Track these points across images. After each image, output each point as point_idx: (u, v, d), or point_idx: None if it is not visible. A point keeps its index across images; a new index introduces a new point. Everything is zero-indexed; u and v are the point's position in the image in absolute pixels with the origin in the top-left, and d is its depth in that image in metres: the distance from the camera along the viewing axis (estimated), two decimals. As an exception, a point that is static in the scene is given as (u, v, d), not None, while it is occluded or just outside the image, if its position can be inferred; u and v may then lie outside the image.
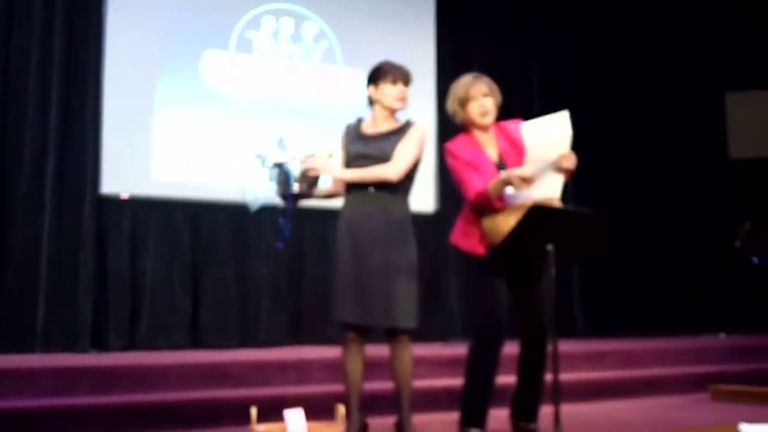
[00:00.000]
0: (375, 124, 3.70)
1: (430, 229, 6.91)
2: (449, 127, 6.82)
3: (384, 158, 3.54)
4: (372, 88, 3.72)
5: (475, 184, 3.52)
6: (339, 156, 3.73)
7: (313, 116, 6.58)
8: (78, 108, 5.80)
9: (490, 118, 3.61)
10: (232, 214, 6.20)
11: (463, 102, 3.58)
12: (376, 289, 3.49)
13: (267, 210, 6.22)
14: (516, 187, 3.35)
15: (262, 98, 6.46)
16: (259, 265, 6.24)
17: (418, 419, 4.38)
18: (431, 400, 4.59)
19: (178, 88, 6.15)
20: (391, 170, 3.49)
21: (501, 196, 3.43)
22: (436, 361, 5.16)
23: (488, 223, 3.49)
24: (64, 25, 5.81)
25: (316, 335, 6.29)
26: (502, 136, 3.65)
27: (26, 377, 4.24)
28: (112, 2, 5.94)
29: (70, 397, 4.12)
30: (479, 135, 3.64)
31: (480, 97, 3.58)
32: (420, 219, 6.82)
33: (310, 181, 3.70)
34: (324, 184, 3.76)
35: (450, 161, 3.64)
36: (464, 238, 3.64)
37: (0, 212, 5.48)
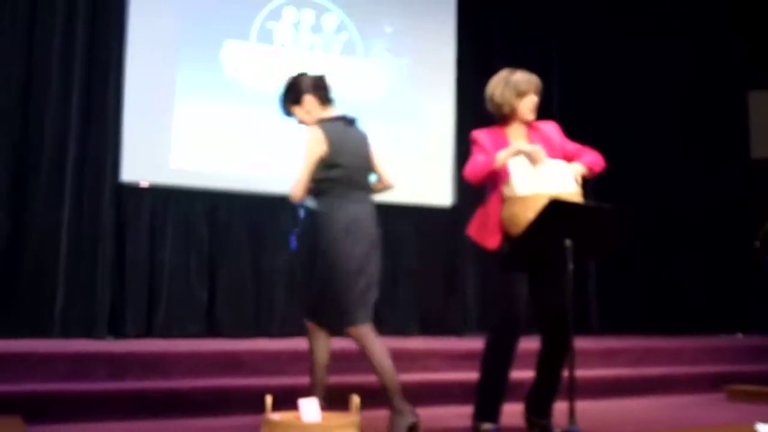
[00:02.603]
0: None
1: (447, 223, 6.92)
2: (468, 120, 6.90)
3: None
4: (298, 108, 3.79)
5: (476, 159, 3.58)
6: None
7: (332, 108, 6.57)
8: (99, 96, 5.83)
9: (534, 115, 3.68)
10: (250, 205, 6.22)
11: (521, 94, 3.62)
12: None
13: (284, 201, 6.28)
14: (531, 159, 3.45)
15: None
16: (275, 256, 6.24)
17: (433, 412, 4.39)
18: (446, 394, 4.61)
19: (198, 77, 6.16)
20: (291, 190, 3.61)
21: (503, 176, 3.50)
22: (451, 355, 5.17)
23: (507, 214, 3.49)
24: (86, 14, 5.83)
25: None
26: (535, 134, 3.69)
27: (43, 362, 4.28)
28: (134, -8, 5.97)
29: (86, 382, 4.15)
30: (513, 129, 3.68)
31: (534, 93, 3.65)
32: (437, 213, 6.91)
33: None
34: None
35: (471, 147, 3.68)
36: (479, 230, 3.65)
37: (21, 199, 5.51)
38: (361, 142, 3.77)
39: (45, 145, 5.63)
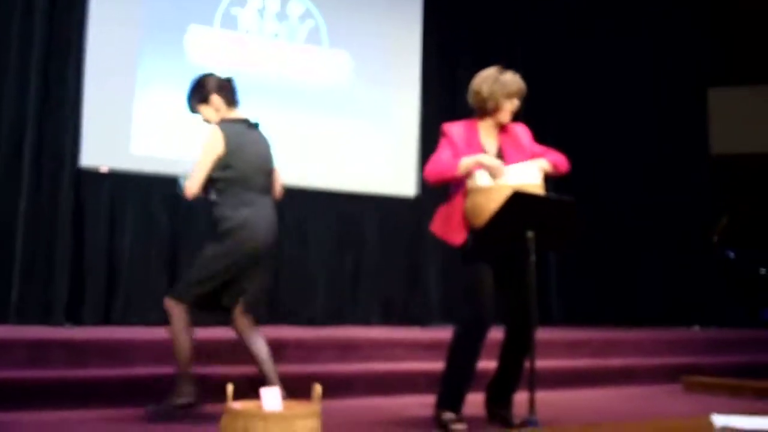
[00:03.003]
0: None
1: (410, 214, 6.93)
2: (432, 110, 6.91)
3: None
4: (205, 107, 3.88)
5: (441, 158, 3.61)
6: None
7: (296, 95, 6.54)
8: (58, 80, 5.71)
9: (510, 119, 3.72)
10: (212, 192, 6.15)
11: (509, 95, 3.65)
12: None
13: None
14: (491, 174, 3.48)
15: (246, 76, 6.37)
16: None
17: (397, 401, 4.41)
18: (409, 383, 4.62)
19: (161, 62, 6.07)
20: (187, 189, 3.69)
21: (466, 175, 3.52)
22: (415, 345, 5.19)
23: (470, 204, 3.51)
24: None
25: (293, 317, 6.28)
26: (506, 135, 3.72)
27: (0, 348, 4.20)
28: (96, -27, 5.85)
29: (44, 369, 4.09)
30: (485, 127, 3.69)
31: (518, 97, 3.68)
32: (400, 203, 6.91)
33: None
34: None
35: (441, 139, 3.69)
36: (443, 227, 3.68)
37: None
38: (263, 145, 3.86)
39: (2, 127, 5.51)
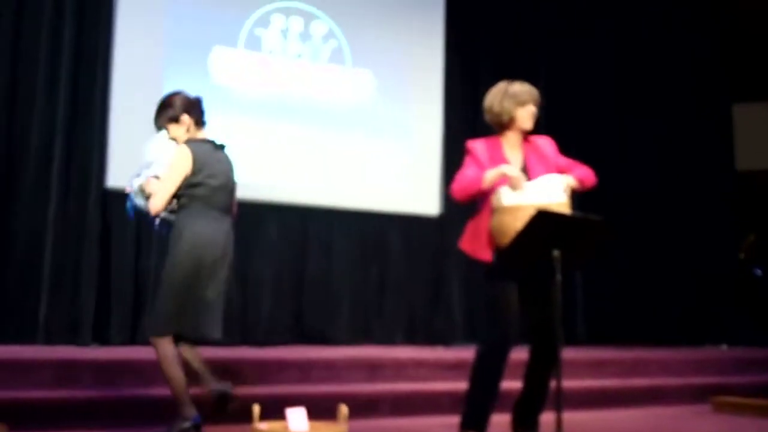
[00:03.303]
0: None
1: (433, 232, 6.92)
2: (455, 129, 6.92)
3: None
4: (175, 126, 3.86)
5: (466, 174, 3.62)
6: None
7: (320, 115, 6.57)
8: (86, 100, 5.79)
9: (531, 125, 3.72)
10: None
11: (521, 103, 3.67)
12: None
13: (264, 208, 6.27)
14: (510, 185, 3.46)
15: (270, 96, 6.45)
16: (261, 264, 6.22)
17: (420, 422, 4.40)
18: (433, 404, 4.60)
19: (186, 83, 6.08)
20: (151, 206, 3.72)
21: (492, 192, 3.52)
22: (438, 364, 5.17)
23: (495, 223, 3.50)
24: (74, 16, 5.78)
25: (317, 335, 6.29)
26: (530, 147, 3.74)
27: (28, 369, 4.24)
28: (122, -5, 5.95)
29: (71, 389, 4.12)
30: (509, 140, 3.71)
31: (533, 103, 3.69)
32: (423, 222, 6.91)
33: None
34: None
35: (465, 157, 3.70)
36: (472, 244, 3.67)
37: (5, 202, 5.45)
38: (227, 166, 3.90)
39: (30, 148, 5.58)
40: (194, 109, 3.87)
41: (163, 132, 3.90)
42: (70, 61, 5.74)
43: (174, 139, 3.84)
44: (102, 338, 5.56)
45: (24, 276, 5.47)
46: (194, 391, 3.69)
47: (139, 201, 3.84)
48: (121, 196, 5.75)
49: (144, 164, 3.98)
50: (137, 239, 5.83)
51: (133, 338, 5.68)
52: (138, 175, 3.89)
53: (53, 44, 5.71)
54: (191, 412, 3.63)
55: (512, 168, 3.56)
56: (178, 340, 3.71)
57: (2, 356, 4.42)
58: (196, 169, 3.71)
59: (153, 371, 4.40)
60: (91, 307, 5.56)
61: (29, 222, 5.51)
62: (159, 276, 3.74)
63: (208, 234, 3.70)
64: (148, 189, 3.77)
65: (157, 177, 3.78)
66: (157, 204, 3.69)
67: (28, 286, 5.46)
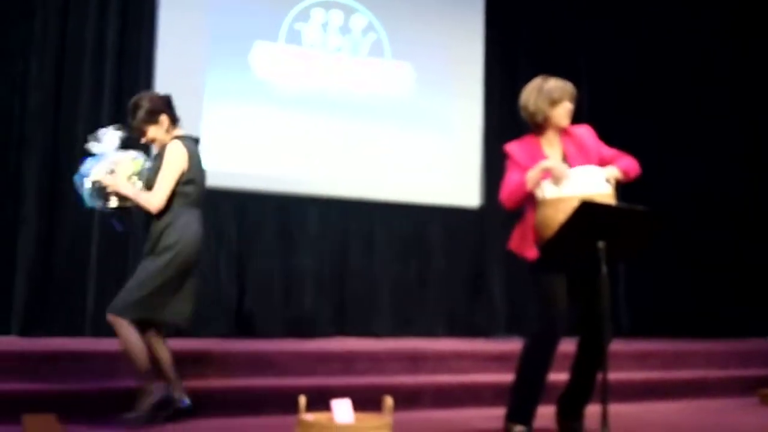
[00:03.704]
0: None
1: (473, 225, 6.91)
2: (495, 120, 6.89)
3: (150, 182, 3.79)
4: (154, 127, 3.83)
5: (510, 180, 3.60)
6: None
7: (360, 108, 6.59)
8: (129, 95, 5.82)
9: (568, 122, 3.68)
10: (278, 205, 6.25)
11: (555, 102, 3.62)
12: None
13: (306, 201, 6.31)
14: (554, 179, 3.43)
15: (310, 90, 6.49)
16: (304, 256, 6.27)
17: (463, 414, 4.40)
18: (476, 396, 4.60)
19: (227, 78, 6.20)
20: (152, 203, 3.72)
21: (536, 186, 3.49)
22: (481, 356, 5.16)
23: (539, 216, 3.48)
24: (117, 14, 5.88)
25: (358, 328, 6.32)
26: (570, 140, 3.69)
27: (77, 361, 4.33)
28: (164, -7, 6.03)
29: (119, 380, 4.18)
30: (547, 138, 3.68)
31: (568, 100, 3.65)
32: (464, 214, 6.90)
33: (119, 196, 3.84)
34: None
35: (505, 163, 3.68)
36: (520, 243, 3.65)
37: (53, 199, 5.57)
38: (202, 161, 3.91)
39: (77, 144, 5.67)
40: (169, 107, 3.86)
41: (112, 129, 3.91)
42: (113, 59, 5.84)
43: (151, 140, 3.84)
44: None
45: (72, 271, 5.58)
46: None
47: (93, 199, 3.82)
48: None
49: (95, 158, 3.89)
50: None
51: (178, 330, 5.75)
52: (85, 175, 3.84)
53: (97, 43, 5.82)
54: (151, 389, 3.70)
55: (552, 161, 3.53)
56: (147, 326, 3.78)
57: (52, 348, 4.52)
58: (191, 166, 3.76)
59: (199, 363, 4.49)
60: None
61: (76, 219, 5.60)
62: (168, 266, 3.70)
63: (200, 234, 3.80)
64: (113, 187, 3.77)
65: (111, 172, 3.77)
66: (156, 202, 3.70)
67: (76, 281, 5.58)
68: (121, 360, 4.36)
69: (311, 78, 6.50)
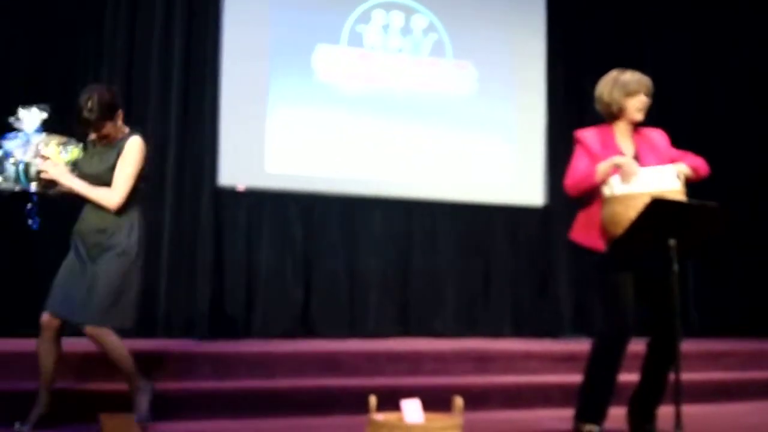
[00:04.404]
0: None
1: (538, 223, 6.85)
2: (558, 118, 6.81)
3: (95, 176, 3.62)
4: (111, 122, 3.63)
5: (578, 168, 3.56)
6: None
7: (422, 108, 6.59)
8: (197, 102, 5.99)
9: (642, 116, 3.65)
10: (343, 206, 6.29)
11: (631, 93, 3.60)
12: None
13: (370, 202, 6.33)
14: (623, 176, 3.38)
15: (373, 91, 6.52)
16: (369, 257, 6.30)
17: (532, 414, 4.37)
18: (545, 396, 4.56)
19: (291, 82, 6.27)
20: (114, 200, 3.58)
21: (603, 183, 3.45)
22: (548, 357, 5.12)
23: (607, 213, 3.44)
24: (183, 23, 6.00)
25: (424, 327, 6.32)
26: (641, 138, 3.67)
27: (151, 361, 4.42)
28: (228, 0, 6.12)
29: (192, 380, 4.27)
30: (619, 128, 3.65)
31: (644, 94, 3.62)
32: (528, 213, 6.84)
33: (44, 182, 3.63)
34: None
35: (575, 148, 3.66)
36: (585, 233, 3.61)
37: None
38: None
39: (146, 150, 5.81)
40: (120, 101, 3.72)
41: (36, 108, 3.65)
42: (180, 67, 5.96)
43: (106, 135, 3.63)
44: (216, 331, 5.74)
45: (143, 274, 5.69)
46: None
47: (13, 181, 3.59)
48: (232, 194, 5.99)
49: (16, 136, 3.65)
50: (248, 235, 6.01)
51: (247, 331, 5.85)
52: (9, 153, 3.60)
53: (164, 53, 5.95)
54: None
55: (624, 158, 3.49)
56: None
57: (128, 349, 4.62)
58: (146, 163, 3.70)
59: (267, 363, 4.55)
60: (207, 302, 5.75)
61: (147, 222, 5.71)
62: (134, 264, 3.65)
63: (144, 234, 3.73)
64: (52, 174, 3.58)
65: (40, 156, 3.58)
66: (119, 199, 3.57)
67: (148, 284, 5.67)
68: (191, 361, 4.49)
69: (373, 80, 6.54)
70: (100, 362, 4.29)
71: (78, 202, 3.68)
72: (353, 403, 3.99)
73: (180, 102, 5.94)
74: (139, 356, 4.39)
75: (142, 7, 5.94)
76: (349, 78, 6.46)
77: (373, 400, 2.96)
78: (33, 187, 3.60)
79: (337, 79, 6.42)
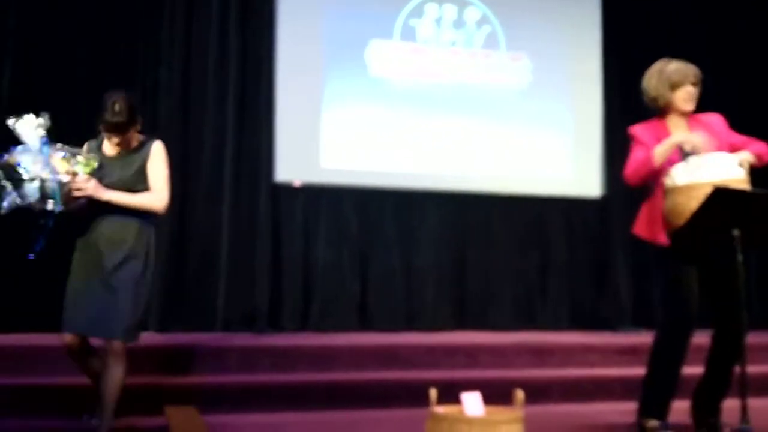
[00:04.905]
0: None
1: (596, 215, 6.77)
2: (615, 110, 6.71)
3: (120, 183, 3.51)
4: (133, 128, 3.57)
5: (636, 156, 3.51)
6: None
7: (476, 101, 6.56)
8: (253, 99, 6.06)
9: (692, 106, 3.58)
10: (399, 201, 6.30)
11: (675, 86, 3.55)
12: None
13: (425, 196, 6.32)
14: (694, 148, 3.35)
15: (426, 85, 6.51)
16: (424, 250, 6.30)
17: (593, 408, 4.33)
18: (605, 390, 4.52)
19: (345, 78, 6.30)
20: (163, 200, 3.56)
21: (664, 172, 3.40)
22: (608, 350, 5.08)
23: (669, 204, 3.38)
24: (239, 23, 6.07)
25: (479, 322, 6.30)
26: (697, 126, 3.58)
27: (213, 355, 4.51)
28: (282, -3, 6.19)
29: (253, 374, 4.33)
30: (673, 121, 3.58)
31: (690, 83, 3.56)
32: (586, 204, 6.76)
33: (73, 201, 3.39)
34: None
35: (630, 145, 3.60)
36: (648, 227, 3.56)
37: (184, 201, 5.78)
38: None
39: (205, 148, 5.91)
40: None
41: (35, 118, 3.34)
42: (236, 66, 6.03)
43: (127, 141, 3.56)
44: (275, 325, 5.81)
45: (203, 270, 5.81)
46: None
47: (31, 198, 3.27)
48: (289, 189, 6.05)
49: (27, 151, 3.33)
50: (305, 230, 6.06)
51: (305, 324, 5.91)
52: (27, 170, 3.27)
53: (221, 52, 6.02)
54: None
55: (684, 134, 3.42)
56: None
57: (189, 343, 4.71)
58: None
59: (326, 356, 4.60)
60: (266, 296, 5.82)
61: (206, 219, 5.84)
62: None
63: None
64: (87, 191, 3.39)
65: (73, 173, 3.35)
66: (165, 200, 3.56)
67: (208, 280, 5.80)
68: (251, 354, 4.55)
69: (427, 73, 6.52)
70: (165, 356, 4.40)
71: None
72: (412, 396, 4.01)
73: (236, 101, 6.00)
74: (199, 351, 4.51)
75: (199, 5, 6.02)
76: (403, 72, 6.46)
77: (433, 393, 2.97)
78: (58, 206, 3.32)
79: (390, 74, 6.43)
